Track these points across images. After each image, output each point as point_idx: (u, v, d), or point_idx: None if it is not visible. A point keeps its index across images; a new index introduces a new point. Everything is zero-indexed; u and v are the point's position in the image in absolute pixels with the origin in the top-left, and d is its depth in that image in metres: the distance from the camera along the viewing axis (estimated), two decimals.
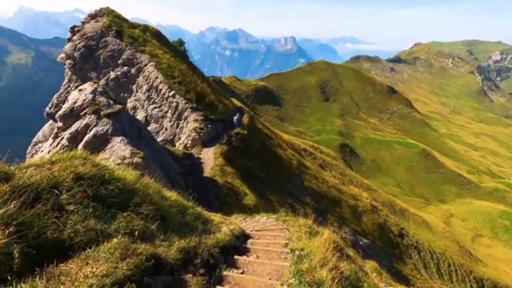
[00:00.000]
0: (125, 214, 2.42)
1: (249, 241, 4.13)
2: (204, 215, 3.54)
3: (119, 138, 9.47)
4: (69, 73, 24.93)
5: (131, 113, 24.80)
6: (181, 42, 37.95)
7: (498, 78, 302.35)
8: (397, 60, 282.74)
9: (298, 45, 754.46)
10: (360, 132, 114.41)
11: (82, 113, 10.32)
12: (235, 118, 26.91)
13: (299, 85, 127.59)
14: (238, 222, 5.51)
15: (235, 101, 45.87)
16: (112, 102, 10.77)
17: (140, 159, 8.39)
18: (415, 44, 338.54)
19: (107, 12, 27.33)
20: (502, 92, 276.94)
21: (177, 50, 35.28)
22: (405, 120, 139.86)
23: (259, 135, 31.52)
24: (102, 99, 10.66)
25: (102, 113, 10.59)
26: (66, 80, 25.93)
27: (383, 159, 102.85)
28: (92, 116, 10.34)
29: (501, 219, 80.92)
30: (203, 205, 11.73)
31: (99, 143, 9.48)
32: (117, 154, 8.62)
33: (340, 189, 40.43)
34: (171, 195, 3.58)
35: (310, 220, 5.05)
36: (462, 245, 59.77)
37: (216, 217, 4.60)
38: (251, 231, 4.54)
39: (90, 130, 9.75)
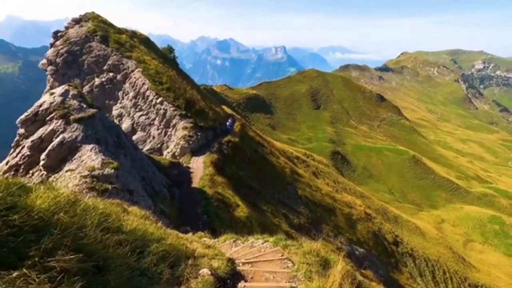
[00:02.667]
0: (14, 274, 1.32)
1: (240, 285, 3.18)
2: (177, 249, 2.56)
3: (90, 146, 8.38)
4: (51, 79, 23.73)
5: (117, 121, 23.68)
6: (170, 49, 37.11)
7: (481, 86, 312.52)
8: (385, 69, 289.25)
9: (289, 54, 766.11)
10: (351, 139, 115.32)
11: (48, 118, 9.19)
12: (228, 123, 26.10)
13: (290, 93, 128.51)
14: (226, 248, 4.55)
15: (226, 108, 45.12)
16: (85, 106, 9.65)
17: (112, 170, 7.37)
18: (401, 54, 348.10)
19: (92, 17, 26.36)
20: (486, 100, 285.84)
21: (166, 57, 34.46)
22: (394, 127, 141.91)
23: (251, 142, 30.68)
24: (73, 102, 9.54)
25: (71, 117, 9.34)
26: (47, 87, 24.68)
27: (374, 166, 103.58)
28: (60, 121, 9.11)
29: (490, 223, 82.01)
30: (191, 220, 10.77)
31: (66, 152, 8.35)
32: (85, 165, 7.60)
33: (334, 197, 39.77)
34: (130, 222, 2.59)
35: (317, 243, 4.08)
36: (455, 251, 59.70)
37: (198, 243, 3.67)
38: (243, 263, 3.59)
39: (56, 137, 8.64)
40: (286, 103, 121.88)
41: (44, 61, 24.51)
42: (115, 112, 23.67)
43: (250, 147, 28.65)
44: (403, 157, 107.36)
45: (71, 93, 10.00)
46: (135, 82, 23.24)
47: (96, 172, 7.05)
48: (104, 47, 24.68)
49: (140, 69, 23.70)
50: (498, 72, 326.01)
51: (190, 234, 6.30)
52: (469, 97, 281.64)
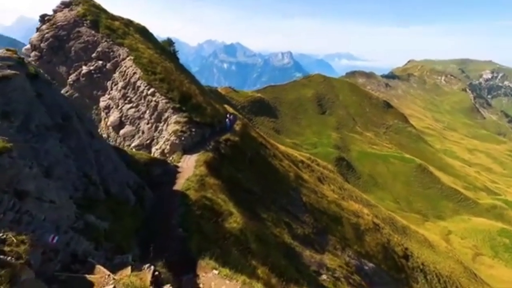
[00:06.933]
0: None
1: None
2: None
3: None
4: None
5: (104, 114, 21.35)
6: (170, 42, 34.96)
7: (489, 96, 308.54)
8: (391, 76, 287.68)
9: (295, 59, 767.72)
10: (356, 145, 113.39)
11: None
12: (227, 120, 23.70)
13: (296, 97, 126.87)
14: None
15: (229, 109, 42.76)
16: (2, 63, 7.08)
17: None
18: (408, 61, 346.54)
19: (83, 0, 24.28)
20: (494, 110, 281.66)
21: (165, 49, 32.26)
22: (400, 135, 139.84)
23: (253, 143, 28.17)
24: None
25: None
26: None
27: (379, 174, 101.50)
28: None
29: (500, 237, 78.98)
30: (160, 236, 8.25)
31: None
32: None
33: (340, 205, 37.03)
34: None
35: None
36: (466, 266, 56.42)
37: None
38: None
39: None
40: (291, 107, 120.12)
41: (28, 46, 22.41)
42: (102, 103, 21.40)
43: (252, 148, 26.14)
44: (410, 165, 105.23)
45: None
46: (125, 71, 20.98)
47: None
48: (93, 33, 22.53)
49: (132, 57, 21.44)
50: (506, 83, 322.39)
51: (128, 270, 3.84)
52: (477, 106, 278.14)
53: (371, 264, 28.28)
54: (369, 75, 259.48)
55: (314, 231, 23.98)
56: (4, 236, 3.06)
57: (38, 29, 22.91)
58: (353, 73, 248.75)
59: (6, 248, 2.84)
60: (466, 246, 74.93)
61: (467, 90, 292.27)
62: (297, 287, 8.61)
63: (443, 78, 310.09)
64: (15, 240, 3.03)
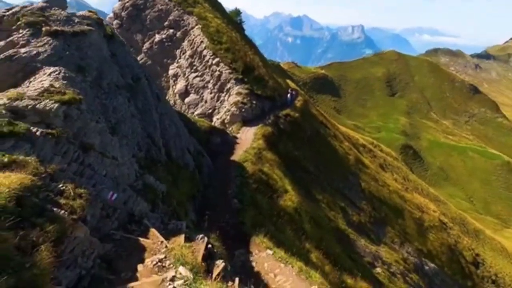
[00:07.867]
0: None
1: None
2: None
3: (51, 69, 5.80)
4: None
5: (172, 81, 22.39)
6: (237, 12, 34.48)
7: None
8: (484, 56, 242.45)
9: (367, 34, 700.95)
10: (429, 134, 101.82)
11: (15, 27, 6.45)
12: (288, 95, 22.94)
13: (363, 76, 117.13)
14: None
15: (290, 83, 41.41)
16: (77, 20, 7.03)
17: (56, 104, 4.41)
18: (511, 39, 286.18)
19: None
20: None
21: (232, 19, 31.96)
22: (487, 126, 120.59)
23: (313, 121, 26.93)
24: (59, 13, 7.09)
25: (44, 29, 6.62)
26: None
27: (453, 167, 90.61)
28: (25, 30, 6.36)
29: None
30: (214, 204, 8.22)
31: (20, 74, 5.67)
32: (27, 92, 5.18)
33: (403, 197, 33.98)
34: None
35: None
36: None
37: None
38: None
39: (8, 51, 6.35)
40: (357, 86, 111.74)
41: (111, 15, 24.38)
42: (171, 71, 22.45)
43: (311, 126, 25.01)
44: (494, 162, 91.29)
45: (80, 13, 7.95)
46: (193, 40, 21.41)
47: (23, 103, 4.43)
48: (166, 1, 23.32)
49: (200, 26, 21.70)
50: None
51: (181, 238, 3.65)
52: None
53: (432, 265, 25.73)
54: (454, 54, 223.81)
55: (371, 220, 22.46)
56: (63, 187, 3.11)
57: None
58: (435, 51, 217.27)
59: (62, 201, 2.84)
60: None
61: None
62: (351, 278, 7.99)
63: None
64: (72, 193, 3.04)
